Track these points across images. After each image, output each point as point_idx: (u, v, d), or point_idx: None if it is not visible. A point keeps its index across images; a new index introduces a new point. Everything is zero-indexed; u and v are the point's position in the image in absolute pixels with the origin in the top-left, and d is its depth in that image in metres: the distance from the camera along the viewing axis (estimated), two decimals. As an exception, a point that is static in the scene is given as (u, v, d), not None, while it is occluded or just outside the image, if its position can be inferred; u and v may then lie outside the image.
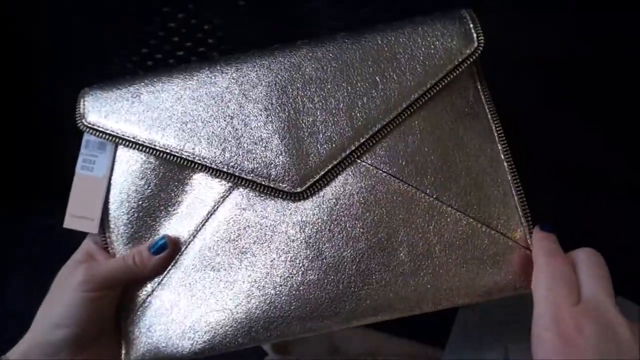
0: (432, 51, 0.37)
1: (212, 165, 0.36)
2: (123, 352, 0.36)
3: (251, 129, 0.36)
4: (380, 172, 0.36)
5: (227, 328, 0.35)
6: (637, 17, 0.58)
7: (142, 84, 0.38)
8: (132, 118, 0.37)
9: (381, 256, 0.35)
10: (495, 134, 0.37)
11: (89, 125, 0.38)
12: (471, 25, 0.37)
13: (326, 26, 0.72)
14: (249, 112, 0.36)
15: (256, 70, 0.37)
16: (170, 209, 0.37)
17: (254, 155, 0.36)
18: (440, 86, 0.36)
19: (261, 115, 0.36)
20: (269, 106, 0.36)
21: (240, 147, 0.36)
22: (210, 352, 0.35)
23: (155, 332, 0.36)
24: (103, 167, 0.38)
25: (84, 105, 0.39)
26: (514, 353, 0.50)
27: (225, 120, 0.36)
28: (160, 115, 0.37)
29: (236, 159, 0.36)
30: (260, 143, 0.36)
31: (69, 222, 0.38)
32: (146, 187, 0.37)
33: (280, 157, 0.36)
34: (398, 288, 0.35)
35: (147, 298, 0.36)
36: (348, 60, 0.37)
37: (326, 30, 0.72)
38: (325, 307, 0.35)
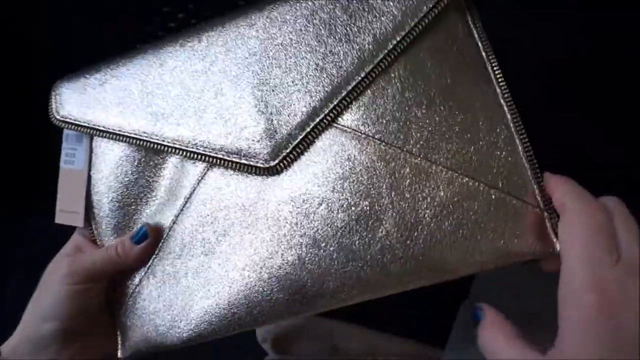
0: None
1: (182, 147, 0.34)
2: (119, 343, 0.36)
3: (219, 103, 0.34)
4: (359, 134, 0.32)
5: (211, 316, 0.33)
6: (638, 14, 0.58)
7: (109, 69, 0.37)
8: (100, 106, 0.36)
9: (365, 229, 0.31)
10: (492, 74, 0.32)
11: (61, 119, 0.37)
12: None
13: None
14: (215, 85, 0.34)
15: (221, 41, 0.35)
16: (150, 196, 0.37)
17: (223, 131, 0.34)
18: (421, 27, 0.31)
19: (228, 89, 0.34)
20: (236, 79, 0.34)
21: (208, 124, 0.34)
22: (199, 340, 0.34)
23: (145, 322, 0.35)
24: (82, 160, 0.38)
25: (55, 99, 0.38)
26: (514, 353, 0.49)
27: (190, 97, 0.35)
28: (126, 99, 0.36)
29: (205, 137, 0.34)
30: (229, 119, 0.34)
31: (59, 218, 0.38)
32: (124, 175, 0.37)
33: (250, 130, 0.33)
34: (384, 263, 0.31)
35: (135, 288, 0.36)
36: (316, 15, 0.33)
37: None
38: (309, 288, 0.32)
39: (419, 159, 0.31)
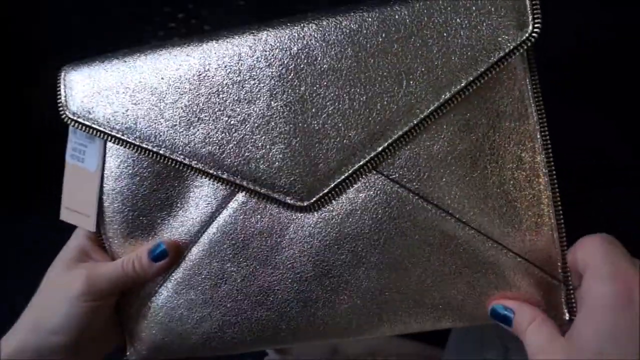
0: (474, 36, 0.29)
1: (210, 171, 0.32)
2: (127, 349, 0.36)
3: (253, 128, 0.31)
4: (398, 186, 0.31)
5: (223, 336, 0.34)
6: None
7: (129, 64, 0.33)
8: (120, 109, 0.33)
9: (393, 277, 0.31)
10: (540, 141, 0.30)
11: (74, 118, 0.34)
12: (527, 3, 0.28)
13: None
14: (251, 107, 0.31)
15: (257, 55, 0.31)
16: (168, 210, 0.35)
17: (256, 162, 0.31)
18: (480, 83, 0.29)
19: (264, 111, 0.31)
20: (273, 100, 0.31)
21: (241, 150, 0.32)
22: (207, 354, 0.35)
23: (155, 332, 0.35)
24: (94, 161, 0.35)
25: (65, 89, 0.35)
26: (514, 353, 0.49)
27: (223, 116, 0.32)
28: (152, 109, 0.33)
29: (236, 165, 0.32)
30: (263, 147, 0.31)
31: (65, 215, 0.36)
32: (140, 185, 0.34)
33: (285, 165, 0.31)
34: (406, 308, 0.32)
35: (147, 298, 0.35)
36: (367, 46, 0.30)
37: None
38: (331, 326, 0.33)
39: (454, 220, 0.30)
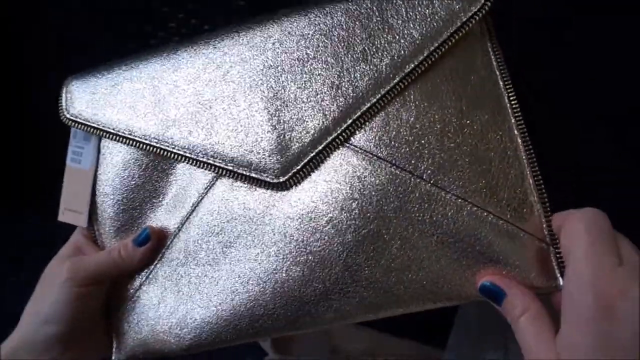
0: (430, 10, 0.31)
1: (192, 155, 0.34)
2: (114, 346, 0.36)
3: (231, 114, 0.34)
4: (371, 155, 0.31)
5: (212, 325, 0.34)
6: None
7: (121, 70, 0.37)
8: (111, 108, 0.37)
9: (371, 250, 0.31)
10: (508, 105, 0.31)
11: (72, 118, 0.37)
12: None
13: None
14: (229, 95, 0.34)
15: (236, 50, 0.34)
16: (155, 201, 0.36)
17: (234, 143, 0.34)
18: (440, 52, 0.31)
19: (242, 100, 0.34)
20: (250, 90, 0.34)
21: (220, 134, 0.34)
22: (198, 349, 0.35)
23: (143, 327, 0.35)
24: (89, 160, 0.38)
25: (66, 96, 0.38)
26: (514, 353, 0.49)
27: (203, 106, 0.34)
28: (138, 104, 0.36)
29: (216, 147, 0.34)
30: (241, 130, 0.33)
31: (63, 216, 0.38)
32: (130, 179, 0.37)
33: (261, 144, 0.33)
34: (389, 286, 0.31)
35: (135, 293, 0.36)
36: (334, 30, 0.32)
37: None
38: (312, 305, 0.32)
39: (429, 185, 0.31)
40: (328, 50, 0.32)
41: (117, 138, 0.36)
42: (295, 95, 0.33)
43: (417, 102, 0.31)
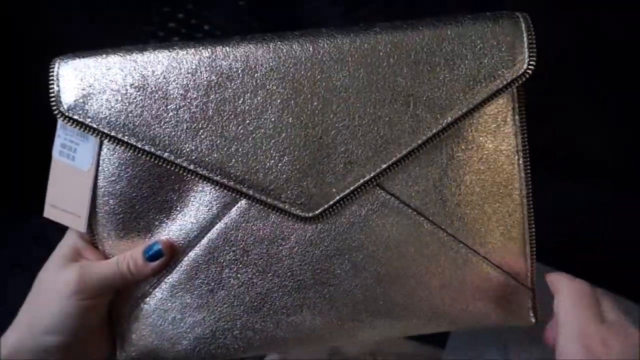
0: (476, 67, 0.31)
1: (216, 178, 0.31)
2: (117, 351, 0.36)
3: (263, 139, 0.31)
4: (398, 202, 0.32)
5: (215, 342, 0.34)
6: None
7: (134, 61, 0.32)
8: (120, 108, 0.31)
9: (389, 288, 0.34)
10: (522, 169, 0.34)
11: (68, 114, 0.32)
12: (524, 40, 0.31)
13: (326, 26, 0.71)
14: (262, 117, 0.31)
15: (271, 66, 0.31)
16: (166, 213, 0.34)
17: (264, 172, 0.31)
18: (477, 111, 0.32)
19: (275, 123, 0.31)
20: (285, 113, 0.31)
21: (249, 160, 0.31)
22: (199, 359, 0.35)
23: (146, 334, 0.35)
24: (86, 160, 0.33)
25: (59, 82, 0.32)
26: (514, 353, 0.49)
27: (232, 125, 0.31)
28: (160, 111, 0.31)
29: (243, 174, 0.31)
30: (272, 158, 0.31)
31: (50, 213, 0.34)
32: (139, 187, 0.33)
33: (294, 177, 0.31)
34: (399, 317, 0.35)
35: (140, 299, 0.35)
36: (379, 68, 0.31)
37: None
38: (325, 332, 0.35)
39: (446, 235, 0.33)
40: (372, 88, 0.31)
41: (127, 146, 0.32)
42: (335, 128, 0.31)
43: (447, 154, 0.32)
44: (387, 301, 0.34)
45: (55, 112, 0.32)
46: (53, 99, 0.32)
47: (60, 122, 0.33)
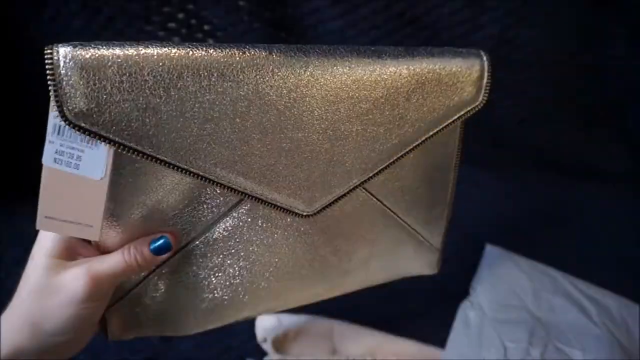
0: (456, 95, 0.39)
1: (224, 182, 0.32)
2: (109, 332, 0.36)
3: (269, 144, 0.32)
4: (374, 199, 0.40)
5: (216, 314, 0.38)
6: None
7: (148, 61, 0.28)
8: (136, 114, 0.29)
9: (354, 259, 0.42)
10: (454, 167, 0.44)
11: (78, 123, 0.28)
12: (485, 80, 0.39)
13: (326, 26, 0.72)
14: (297, 133, 0.33)
15: (307, 82, 0.32)
16: (174, 211, 0.33)
17: (279, 180, 0.34)
18: (444, 131, 0.39)
19: (295, 136, 0.33)
20: (314, 129, 0.34)
21: (265, 170, 0.33)
22: (187, 332, 0.38)
23: (140, 317, 0.36)
24: (97, 168, 0.30)
25: (66, 80, 0.27)
26: (514, 353, 0.50)
27: (252, 135, 0.32)
28: (173, 113, 0.29)
29: (258, 182, 0.33)
30: (289, 168, 0.34)
31: (46, 225, 0.31)
32: (144, 191, 0.32)
33: (305, 185, 0.35)
34: (365, 274, 0.44)
35: (135, 283, 0.35)
36: (392, 87, 0.35)
37: (326, 31, 0.73)
38: (305, 297, 0.42)
39: (400, 220, 0.43)
40: (380, 109, 0.36)
41: (143, 156, 0.29)
42: (346, 138, 0.35)
43: (412, 162, 0.41)
44: (351, 270, 0.42)
45: (63, 120, 0.28)
46: (57, 102, 0.27)
47: (53, 125, 0.29)
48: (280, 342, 0.50)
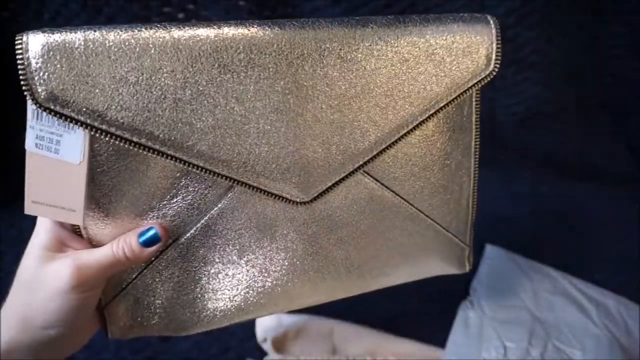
0: (460, 65, 0.35)
1: (212, 168, 0.31)
2: (108, 330, 0.35)
3: (261, 130, 0.31)
4: (378, 184, 0.36)
5: (206, 317, 0.36)
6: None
7: (124, 44, 0.28)
8: (112, 98, 0.28)
9: (369, 252, 0.39)
10: (473, 149, 0.39)
11: (47, 105, 0.28)
12: (494, 46, 0.35)
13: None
14: (259, 108, 0.31)
15: (278, 54, 0.31)
16: (158, 199, 0.32)
17: (262, 159, 0.32)
18: (450, 105, 0.36)
19: (273, 115, 0.31)
20: (282, 105, 0.31)
21: (244, 145, 0.31)
22: (188, 333, 0.37)
23: (139, 312, 0.35)
24: (75, 152, 0.30)
25: (34, 64, 0.28)
26: (514, 353, 0.50)
27: (238, 116, 0.31)
28: (151, 96, 0.29)
29: (239, 161, 0.31)
30: (269, 144, 0.32)
31: (34, 209, 0.31)
32: (130, 177, 0.31)
33: (299, 170, 0.33)
34: (369, 277, 0.40)
35: (131, 279, 0.35)
36: (381, 60, 0.33)
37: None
38: (305, 298, 0.38)
39: (414, 209, 0.39)
40: (374, 80, 0.33)
41: (121, 140, 0.29)
42: (332, 118, 0.33)
43: (418, 142, 0.37)
44: (362, 264, 0.39)
45: (32, 101, 0.28)
46: (26, 86, 0.28)
47: (31, 111, 0.29)
48: (280, 342, 0.50)
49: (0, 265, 0.60)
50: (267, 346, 0.50)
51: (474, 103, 0.38)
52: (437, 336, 0.51)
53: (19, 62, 0.28)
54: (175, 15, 0.68)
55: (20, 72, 0.28)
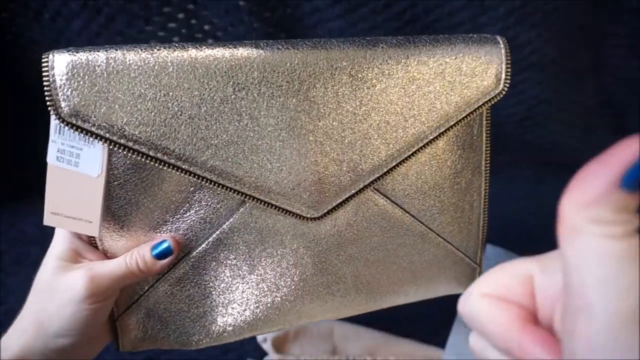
0: (470, 85, 0.36)
1: (224, 182, 0.32)
2: (120, 342, 0.36)
3: (273, 146, 0.32)
4: (388, 201, 0.37)
5: (218, 332, 0.36)
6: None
7: (143, 62, 0.30)
8: (131, 114, 0.30)
9: (379, 271, 0.38)
10: (483, 168, 0.39)
11: (71, 120, 0.29)
12: (503, 66, 0.36)
13: (326, 26, 0.72)
14: (271, 113, 0.32)
15: (291, 73, 0.31)
16: (172, 213, 0.33)
17: (274, 175, 0.32)
18: (460, 125, 0.36)
19: (285, 120, 0.32)
20: (295, 121, 0.32)
21: (257, 161, 0.32)
22: (199, 347, 0.36)
23: (151, 325, 0.35)
24: (94, 166, 0.31)
25: (57, 82, 0.29)
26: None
27: (251, 133, 0.31)
28: (167, 112, 0.30)
29: (251, 176, 0.32)
30: (281, 160, 0.32)
31: (52, 221, 0.32)
32: (145, 190, 0.32)
33: (311, 187, 0.33)
34: (378, 295, 0.39)
35: (144, 292, 0.35)
36: (391, 79, 0.34)
37: (326, 31, 0.73)
38: (312, 315, 0.38)
39: (424, 227, 0.38)
40: (384, 98, 0.34)
41: (141, 155, 0.30)
42: (343, 134, 0.33)
43: (428, 160, 0.37)
44: (372, 282, 0.38)
45: (56, 118, 0.29)
46: (50, 102, 0.29)
47: (54, 126, 0.31)
48: (280, 342, 0.50)
49: (0, 265, 0.60)
50: (267, 346, 0.50)
51: (484, 122, 0.38)
52: (437, 336, 0.51)
53: (44, 79, 0.29)
54: (176, 16, 0.68)
55: (45, 88, 0.29)
